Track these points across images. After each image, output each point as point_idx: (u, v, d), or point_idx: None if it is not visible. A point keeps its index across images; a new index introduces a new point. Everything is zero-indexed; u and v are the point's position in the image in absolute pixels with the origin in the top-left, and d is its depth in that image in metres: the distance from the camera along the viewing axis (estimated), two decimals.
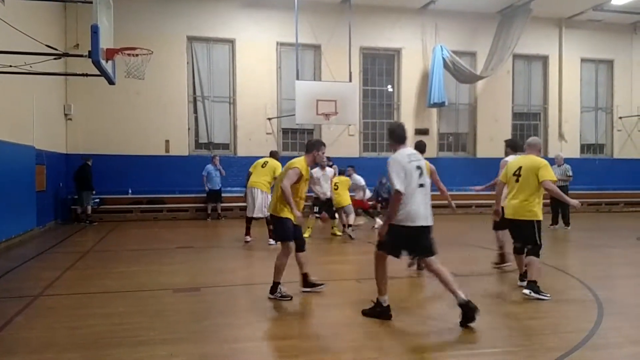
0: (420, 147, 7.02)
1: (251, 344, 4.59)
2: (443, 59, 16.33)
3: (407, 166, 4.96)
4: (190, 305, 5.75)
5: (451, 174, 15.36)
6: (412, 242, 5.03)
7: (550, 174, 5.93)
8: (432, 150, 17.05)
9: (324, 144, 6.19)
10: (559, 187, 12.65)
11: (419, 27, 17.03)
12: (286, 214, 5.88)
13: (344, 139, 16.58)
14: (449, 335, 4.82)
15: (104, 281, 6.94)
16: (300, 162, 5.97)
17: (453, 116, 18.00)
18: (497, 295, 6.29)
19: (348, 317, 5.33)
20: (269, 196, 9.53)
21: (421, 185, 4.99)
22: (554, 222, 13.14)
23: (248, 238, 10.20)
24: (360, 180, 12.38)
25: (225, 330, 4.89)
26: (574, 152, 18.48)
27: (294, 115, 14.87)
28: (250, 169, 10.33)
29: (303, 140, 16.99)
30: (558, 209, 13.05)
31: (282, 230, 5.98)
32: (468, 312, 4.80)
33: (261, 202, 9.94)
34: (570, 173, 13.16)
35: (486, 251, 9.02)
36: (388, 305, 5.13)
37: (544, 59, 18.41)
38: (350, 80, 15.53)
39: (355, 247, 10.18)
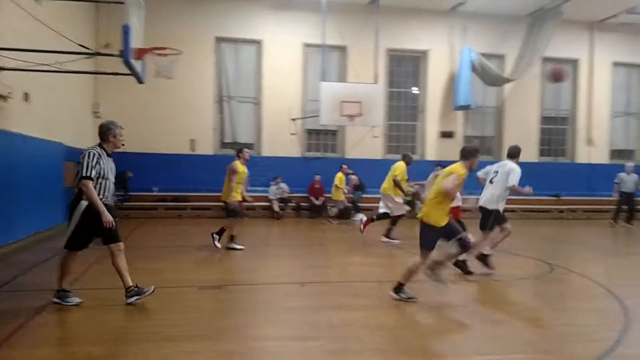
0: None
1: (273, 342, 4.59)
2: (471, 61, 16.16)
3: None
4: (214, 303, 5.80)
5: (475, 178, 15.21)
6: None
7: None
8: (457, 153, 16.91)
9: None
10: (628, 193, 14.40)
11: (446, 29, 16.88)
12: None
13: (368, 141, 16.54)
14: (474, 340, 4.76)
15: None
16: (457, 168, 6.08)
17: (479, 119, 17.79)
18: (522, 301, 6.19)
19: (371, 319, 5.31)
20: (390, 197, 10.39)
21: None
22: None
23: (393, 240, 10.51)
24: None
25: (248, 328, 4.92)
26: (603, 158, 18.11)
27: (318, 116, 14.88)
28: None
29: (327, 142, 16.99)
30: None
31: (428, 239, 5.84)
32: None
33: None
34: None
35: (511, 257, 8.89)
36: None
37: (574, 63, 18.07)
38: (376, 82, 15.47)
39: (378, 249, 10.13)
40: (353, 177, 15.28)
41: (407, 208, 10.91)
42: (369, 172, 15.11)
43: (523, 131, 17.50)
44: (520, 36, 16.85)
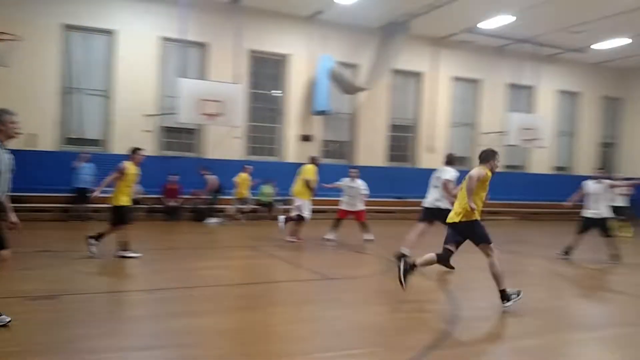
0: None
1: (111, 354, 4.36)
2: (328, 68, 16.73)
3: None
4: (45, 315, 5.33)
5: (331, 180, 15.87)
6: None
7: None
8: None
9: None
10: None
11: (307, 36, 17.29)
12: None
13: (228, 141, 16.34)
14: (311, 338, 4.94)
15: None
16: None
17: (336, 124, 18.50)
18: (364, 297, 6.55)
19: (217, 324, 5.28)
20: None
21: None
22: None
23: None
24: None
25: (83, 340, 4.61)
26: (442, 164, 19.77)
27: (175, 113, 14.41)
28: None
29: (184, 140, 16.53)
30: None
31: (483, 232, 6.10)
32: None
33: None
34: None
35: (359, 255, 9.36)
36: None
37: (419, 76, 19.55)
38: (237, 82, 15.36)
39: (239, 252, 10.09)
40: (211, 177, 15.00)
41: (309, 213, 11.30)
42: (230, 174, 14.92)
43: (374, 137, 18.55)
44: (374, 47, 17.82)
